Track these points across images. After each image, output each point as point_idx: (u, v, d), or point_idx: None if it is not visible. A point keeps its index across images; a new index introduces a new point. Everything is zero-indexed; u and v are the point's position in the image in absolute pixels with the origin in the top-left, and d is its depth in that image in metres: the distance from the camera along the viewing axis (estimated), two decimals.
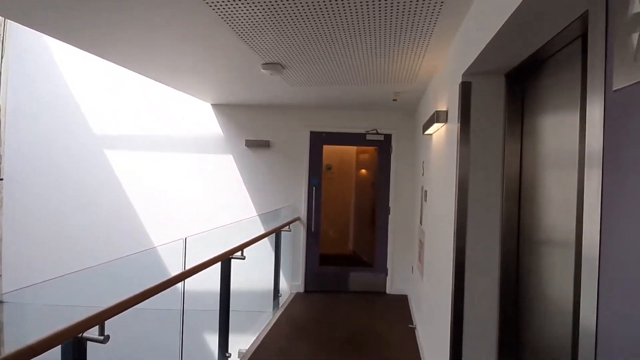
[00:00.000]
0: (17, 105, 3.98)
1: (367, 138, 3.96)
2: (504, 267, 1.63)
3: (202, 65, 2.62)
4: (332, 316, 3.37)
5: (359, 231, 5.17)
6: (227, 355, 2.36)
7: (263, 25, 1.78)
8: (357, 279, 4.08)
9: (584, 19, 0.97)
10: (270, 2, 1.52)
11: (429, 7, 1.55)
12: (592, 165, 0.66)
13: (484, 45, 1.31)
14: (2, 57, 3.85)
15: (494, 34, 1.18)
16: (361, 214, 5.18)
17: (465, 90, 1.65)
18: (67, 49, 3.28)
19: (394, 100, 3.09)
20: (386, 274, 4.01)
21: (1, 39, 3.84)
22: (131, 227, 3.96)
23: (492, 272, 1.65)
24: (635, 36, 0.51)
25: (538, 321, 1.39)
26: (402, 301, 3.78)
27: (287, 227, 3.63)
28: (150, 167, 4.02)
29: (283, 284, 3.78)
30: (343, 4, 1.52)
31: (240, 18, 1.71)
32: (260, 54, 2.21)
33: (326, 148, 4.09)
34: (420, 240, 2.99)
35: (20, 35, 3.89)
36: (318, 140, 4.00)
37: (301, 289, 4.02)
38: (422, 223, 2.93)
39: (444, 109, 2.03)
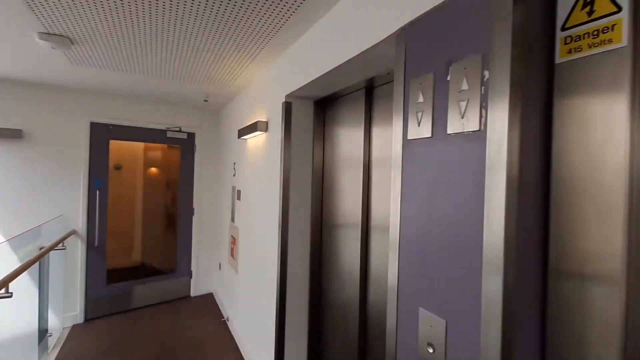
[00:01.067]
0: None
1: (168, 135, 3.68)
2: (312, 248, 2.14)
3: None
4: (131, 338, 2.94)
5: (151, 237, 4.65)
6: None
7: None
8: (156, 289, 3.72)
9: (369, 80, 1.56)
10: None
11: (269, 26, 1.78)
12: (396, 168, 1.12)
13: (303, 84, 1.73)
14: None
15: (310, 80, 1.62)
16: (154, 218, 4.68)
17: (288, 108, 2.01)
18: None
19: (205, 101, 3.09)
20: (191, 277, 3.90)
21: None
22: None
23: (305, 252, 2.12)
24: (419, 115, 0.97)
25: (336, 286, 1.96)
26: (209, 299, 3.82)
27: (61, 244, 2.80)
28: None
29: (53, 320, 2.89)
30: None
31: None
32: (42, 20, 1.67)
33: (112, 143, 3.44)
34: (232, 237, 3.18)
35: None
36: (103, 133, 3.30)
37: (80, 319, 3.20)
38: (235, 220, 3.13)
39: (265, 120, 2.33)
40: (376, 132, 1.67)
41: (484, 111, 0.78)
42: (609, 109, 0.69)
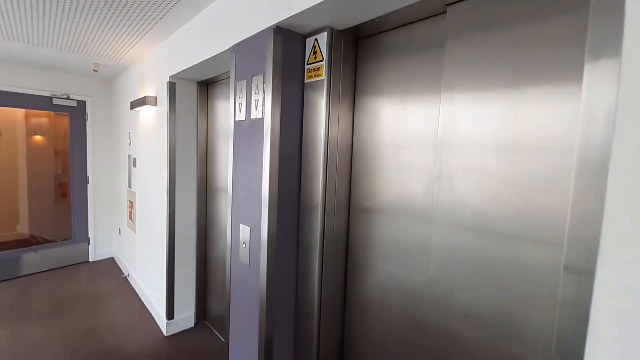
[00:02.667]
0: None
1: (54, 102, 3.61)
2: (199, 207, 2.65)
3: None
4: (26, 297, 3.07)
5: (40, 208, 4.49)
6: None
7: None
8: (50, 256, 3.78)
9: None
10: None
11: (155, 10, 2.13)
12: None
13: (184, 68, 2.15)
14: None
15: (189, 66, 2.06)
16: (41, 188, 4.51)
17: (172, 88, 2.41)
18: None
19: (95, 71, 3.18)
20: (88, 243, 4.03)
21: None
22: None
23: (191, 212, 2.62)
24: (240, 105, 1.55)
25: (214, 237, 2.53)
26: (109, 263, 4.03)
27: None
28: None
29: None
30: None
31: None
32: None
33: None
34: (130, 201, 3.45)
35: None
36: None
37: None
38: (132, 186, 3.40)
39: (154, 95, 2.67)
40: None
41: (262, 107, 1.40)
42: (319, 105, 1.36)
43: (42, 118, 4.57)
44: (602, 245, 0.67)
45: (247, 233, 1.52)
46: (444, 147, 1.09)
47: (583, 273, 0.70)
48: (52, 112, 3.94)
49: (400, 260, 1.27)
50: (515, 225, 0.93)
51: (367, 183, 1.38)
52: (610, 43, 0.66)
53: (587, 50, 0.69)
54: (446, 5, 1.07)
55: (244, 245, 1.55)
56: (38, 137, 4.69)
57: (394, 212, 1.28)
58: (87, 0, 1.84)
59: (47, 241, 4.03)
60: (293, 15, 1.24)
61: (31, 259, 3.63)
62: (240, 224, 1.57)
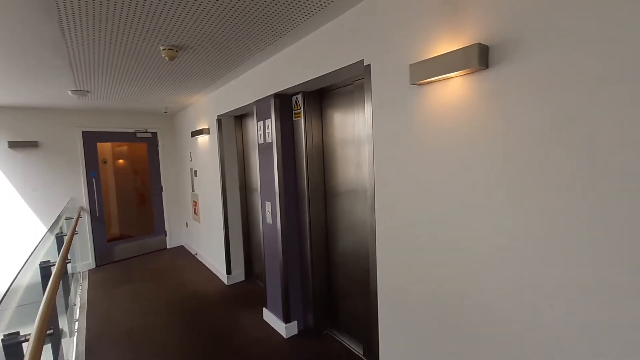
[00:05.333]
0: None
1: (137, 135, 5.13)
2: (241, 201, 3.93)
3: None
4: (131, 271, 4.54)
5: (126, 214, 6.09)
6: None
7: (99, 71, 2.94)
8: (142, 245, 5.30)
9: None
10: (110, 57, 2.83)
11: (207, 78, 3.44)
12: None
13: (226, 110, 3.43)
14: None
15: (232, 108, 3.33)
16: (126, 198, 6.10)
17: (219, 122, 3.71)
18: None
19: (165, 112, 4.61)
20: (166, 235, 5.52)
21: None
22: None
23: (237, 205, 3.90)
24: (261, 135, 2.76)
25: (252, 221, 3.78)
26: (181, 249, 5.48)
27: (80, 214, 4.27)
28: None
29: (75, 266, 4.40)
30: (154, 72, 3.10)
31: (82, 59, 2.81)
32: (77, 84, 3.15)
33: (98, 145, 4.83)
34: (194, 201, 4.84)
35: None
36: (91, 138, 4.69)
37: (93, 266, 4.73)
38: (195, 190, 4.79)
39: (207, 127, 4.00)
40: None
41: (272, 135, 2.60)
42: (301, 131, 2.54)
43: (123, 146, 6.18)
44: (375, 187, 1.76)
45: (269, 206, 2.73)
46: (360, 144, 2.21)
47: (370, 197, 1.80)
48: (129, 143, 5.47)
49: (350, 226, 2.40)
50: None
51: (330, 171, 2.53)
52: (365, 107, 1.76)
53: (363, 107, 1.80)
54: (354, 81, 2.20)
55: (268, 212, 2.76)
56: (121, 161, 6.32)
57: (341, 190, 2.41)
58: (163, 81, 3.16)
59: (132, 237, 5.56)
60: (283, 89, 2.42)
61: (129, 247, 5.17)
62: (266, 201, 2.79)
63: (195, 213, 4.89)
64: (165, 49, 2.11)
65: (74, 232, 3.00)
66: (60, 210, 4.32)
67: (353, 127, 2.25)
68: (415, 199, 1.49)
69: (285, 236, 2.63)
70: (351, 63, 1.76)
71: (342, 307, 2.57)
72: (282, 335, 2.69)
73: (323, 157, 2.58)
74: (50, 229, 3.31)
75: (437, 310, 1.45)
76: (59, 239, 3.10)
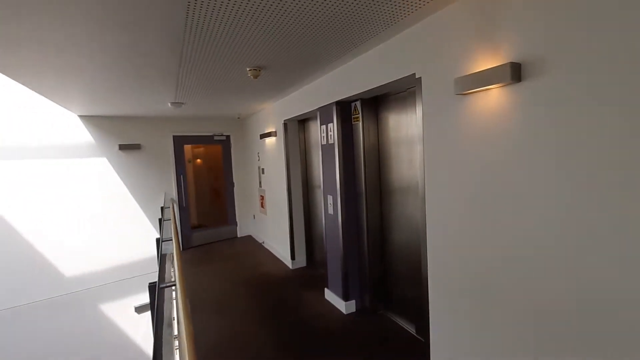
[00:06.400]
0: None
1: (215, 138, 5.93)
2: (304, 195, 4.40)
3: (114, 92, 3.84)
4: (211, 253, 5.32)
5: (202, 206, 7.02)
6: None
7: (195, 89, 3.61)
8: (218, 233, 6.11)
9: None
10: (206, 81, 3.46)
11: (278, 89, 3.98)
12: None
13: (291, 116, 3.93)
14: None
15: (297, 114, 3.82)
16: (202, 193, 7.03)
17: (285, 126, 4.22)
18: None
19: (238, 118, 5.30)
20: (236, 225, 6.28)
21: None
22: (10, 234, 4.18)
23: (300, 199, 4.39)
24: (324, 137, 3.17)
25: (314, 214, 4.23)
26: (249, 238, 6.20)
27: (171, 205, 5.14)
28: (23, 174, 4.30)
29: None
30: (247, 87, 3.69)
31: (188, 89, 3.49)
32: (177, 96, 3.87)
33: (185, 147, 5.71)
34: (261, 196, 5.48)
35: None
36: (180, 141, 5.58)
37: (180, 248, 5.62)
38: (262, 186, 5.42)
39: (274, 130, 4.55)
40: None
41: (334, 137, 3.00)
42: (359, 132, 2.89)
43: (200, 148, 7.10)
44: (426, 182, 2.03)
45: (331, 198, 3.14)
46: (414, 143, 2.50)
47: (421, 190, 2.07)
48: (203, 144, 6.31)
49: (403, 221, 2.69)
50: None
51: (385, 168, 2.84)
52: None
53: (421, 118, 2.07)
54: (407, 88, 2.48)
55: (330, 205, 3.16)
56: (199, 160, 7.26)
57: (394, 185, 2.71)
58: (243, 94, 3.72)
59: (207, 226, 6.40)
60: (344, 97, 2.80)
61: (208, 234, 6.00)
62: (328, 195, 3.20)
63: (262, 206, 5.52)
64: (250, 70, 2.62)
65: (175, 219, 3.73)
66: (157, 200, 5.24)
67: (406, 128, 2.54)
68: (462, 191, 1.76)
69: (345, 226, 3.01)
70: (404, 76, 2.07)
71: (396, 290, 2.87)
72: (341, 311, 3.08)
73: (378, 156, 2.91)
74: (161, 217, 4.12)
75: (485, 297, 1.70)
76: (161, 223, 3.87)
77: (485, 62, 1.54)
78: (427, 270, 2.05)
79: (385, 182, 2.87)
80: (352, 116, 2.96)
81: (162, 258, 2.56)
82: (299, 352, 2.55)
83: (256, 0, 1.54)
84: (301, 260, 4.44)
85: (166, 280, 2.06)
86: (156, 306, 1.64)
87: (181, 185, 5.62)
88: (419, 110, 2.00)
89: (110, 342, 4.57)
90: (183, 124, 5.59)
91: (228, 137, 6.10)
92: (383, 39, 2.17)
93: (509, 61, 1.41)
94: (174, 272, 1.88)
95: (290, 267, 4.39)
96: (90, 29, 1.79)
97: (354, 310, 3.09)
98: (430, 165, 1.95)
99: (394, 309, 2.92)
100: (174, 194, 5.54)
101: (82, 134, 4.75)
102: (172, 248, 2.34)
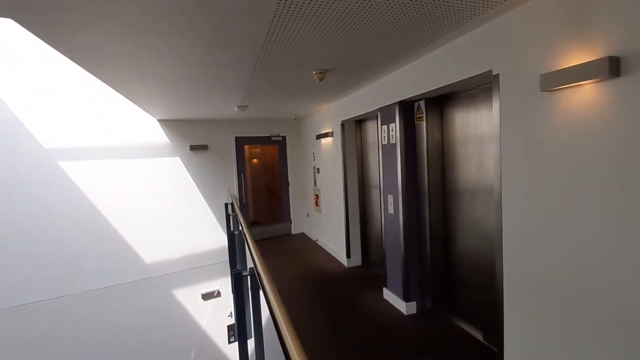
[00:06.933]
0: None
1: (272, 139, 6.22)
2: (360, 194, 4.44)
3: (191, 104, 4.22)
4: (271, 247, 5.59)
5: (259, 204, 7.38)
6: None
7: (262, 93, 3.84)
8: (274, 229, 6.40)
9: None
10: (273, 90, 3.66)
11: (339, 91, 4.08)
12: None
13: (349, 117, 3.99)
14: None
15: (356, 115, 3.87)
16: (259, 191, 7.39)
17: (343, 126, 4.30)
18: None
19: (295, 119, 5.50)
20: (291, 222, 6.51)
21: None
22: (98, 228, 4.83)
23: (355, 198, 4.44)
24: (385, 137, 3.19)
25: (369, 214, 4.25)
26: (302, 235, 6.39)
27: (231, 202, 5.51)
28: (106, 173, 4.93)
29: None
30: (301, 91, 3.84)
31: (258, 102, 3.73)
32: (245, 100, 4.15)
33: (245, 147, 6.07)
34: (316, 195, 5.63)
35: None
36: (241, 142, 5.95)
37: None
38: (317, 185, 5.56)
39: (331, 131, 4.65)
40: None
41: (395, 137, 3.00)
42: (422, 133, 2.87)
43: (257, 148, 7.46)
44: (502, 186, 1.95)
45: (391, 198, 3.14)
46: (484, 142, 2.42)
47: (497, 195, 1.98)
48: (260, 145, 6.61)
49: (472, 224, 2.62)
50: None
51: (450, 169, 2.78)
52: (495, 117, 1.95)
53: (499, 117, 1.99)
54: (477, 86, 2.41)
55: (390, 204, 3.17)
56: (255, 160, 7.64)
57: (460, 187, 2.64)
58: (304, 96, 3.87)
59: (262, 223, 6.70)
60: (407, 97, 2.80)
61: (266, 230, 6.31)
62: (388, 194, 3.21)
63: (316, 205, 5.67)
64: (316, 73, 2.73)
65: (241, 215, 4.00)
66: (220, 196, 5.65)
67: (475, 128, 2.47)
68: (546, 196, 1.67)
69: (407, 226, 3.00)
70: (479, 73, 2.02)
71: (460, 294, 2.80)
72: (402, 312, 3.07)
73: (442, 155, 2.85)
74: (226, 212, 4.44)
75: (570, 312, 1.61)
76: (228, 217, 4.17)
77: (576, 57, 1.45)
78: (502, 276, 1.98)
79: (450, 182, 2.80)
80: (415, 116, 2.94)
81: (237, 248, 2.76)
82: (364, 349, 2.60)
83: (340, 3, 1.63)
84: (356, 259, 4.49)
85: (244, 269, 2.23)
86: (250, 290, 1.80)
87: (241, 183, 5.98)
88: (495, 108, 1.94)
89: (180, 324, 5.03)
90: (244, 126, 5.94)
91: (284, 137, 6.35)
92: (456, 36, 2.14)
93: (606, 55, 1.32)
94: (252, 260, 2.05)
95: (346, 265, 4.46)
96: (177, 44, 2.02)
97: (414, 311, 3.06)
98: (508, 167, 1.88)
99: (459, 313, 2.84)
100: (235, 191, 5.92)
101: (161, 136, 5.29)
102: (247, 239, 2.54)
